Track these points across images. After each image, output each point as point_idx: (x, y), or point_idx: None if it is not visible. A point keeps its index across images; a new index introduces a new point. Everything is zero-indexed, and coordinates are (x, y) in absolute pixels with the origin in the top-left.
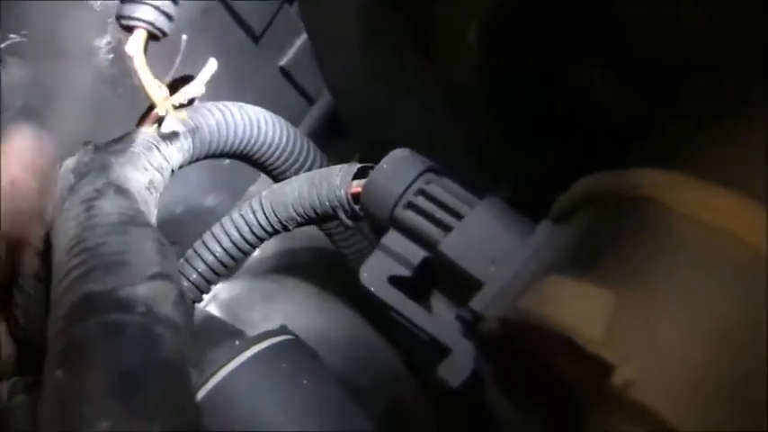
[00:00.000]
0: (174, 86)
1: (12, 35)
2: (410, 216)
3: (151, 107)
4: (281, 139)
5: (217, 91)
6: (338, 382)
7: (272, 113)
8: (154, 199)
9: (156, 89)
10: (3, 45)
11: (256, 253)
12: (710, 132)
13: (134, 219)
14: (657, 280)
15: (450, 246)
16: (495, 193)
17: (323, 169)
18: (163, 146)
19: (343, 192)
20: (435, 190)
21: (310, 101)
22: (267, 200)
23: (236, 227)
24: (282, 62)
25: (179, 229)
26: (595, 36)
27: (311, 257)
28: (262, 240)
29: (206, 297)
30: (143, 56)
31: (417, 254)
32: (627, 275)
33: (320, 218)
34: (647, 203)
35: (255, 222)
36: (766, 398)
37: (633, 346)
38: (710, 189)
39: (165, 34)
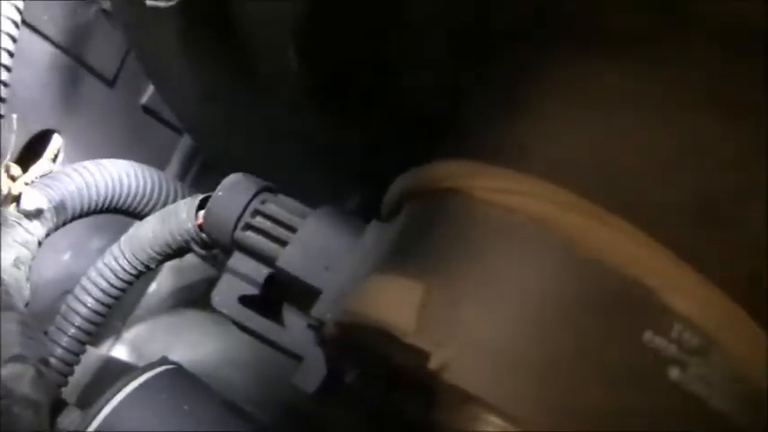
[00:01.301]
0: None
1: None
2: (250, 236)
3: None
4: (145, 188)
5: (84, 141)
6: (221, 401)
7: (135, 163)
8: (23, 273)
9: (4, 173)
10: None
11: (153, 290)
12: (493, 117)
13: None
14: (460, 265)
15: (287, 259)
16: (333, 202)
17: (171, 206)
18: (25, 221)
19: (190, 225)
20: (270, 208)
21: (179, 131)
22: (126, 245)
23: (102, 276)
24: (143, 100)
25: (69, 275)
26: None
27: (206, 287)
28: (129, 284)
29: (110, 339)
30: None
31: (261, 272)
32: (433, 265)
33: (177, 252)
34: (449, 194)
35: (119, 268)
36: (578, 370)
37: (444, 330)
38: (503, 173)
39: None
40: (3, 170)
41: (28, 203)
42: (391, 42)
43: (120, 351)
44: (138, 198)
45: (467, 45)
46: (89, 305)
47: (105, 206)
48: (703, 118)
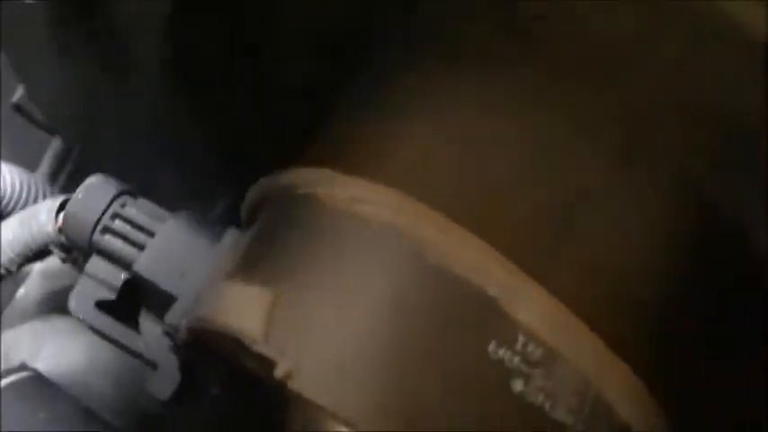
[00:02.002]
0: None
1: None
2: (108, 240)
3: None
4: (12, 189)
5: None
6: (79, 409)
7: (2, 163)
8: None
9: None
10: None
11: (21, 294)
12: (352, 122)
13: None
14: (309, 272)
15: (143, 264)
16: (196, 207)
17: (31, 208)
18: None
19: (50, 227)
20: (130, 212)
21: (51, 132)
22: None
23: None
24: (15, 98)
25: None
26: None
27: None
28: None
29: None
30: None
31: (119, 276)
32: (282, 271)
33: (37, 255)
34: (302, 201)
35: None
36: (422, 378)
37: (289, 338)
38: (355, 182)
39: None
40: None
41: None
42: (258, 34)
43: None
44: (5, 200)
45: (333, 45)
46: None
47: None
48: (554, 131)
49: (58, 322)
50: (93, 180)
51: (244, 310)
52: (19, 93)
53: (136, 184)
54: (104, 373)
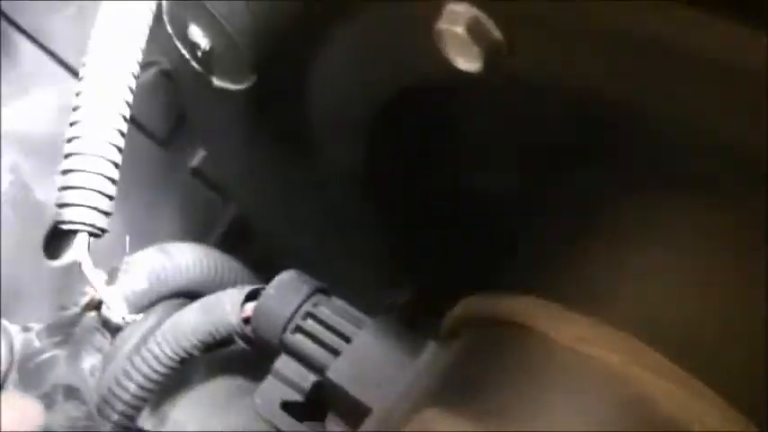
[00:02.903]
0: None
1: None
2: (299, 340)
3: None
4: (212, 277)
5: (131, 198)
6: None
7: (202, 248)
8: (95, 380)
9: (100, 284)
10: None
11: None
12: (564, 250)
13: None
14: (525, 411)
15: (337, 370)
16: (387, 310)
17: (215, 295)
18: (103, 329)
19: (234, 318)
20: (324, 312)
21: (225, 198)
22: (168, 332)
23: (145, 362)
24: (193, 163)
25: None
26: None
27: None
28: (173, 370)
29: None
30: (88, 258)
31: (308, 378)
32: (496, 408)
33: (220, 343)
34: (521, 332)
35: (162, 354)
36: None
37: None
38: (585, 321)
39: (105, 231)
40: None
41: (112, 316)
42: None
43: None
44: (210, 285)
45: (536, 161)
46: (132, 391)
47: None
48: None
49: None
50: (285, 276)
51: None
52: (198, 157)
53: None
54: None
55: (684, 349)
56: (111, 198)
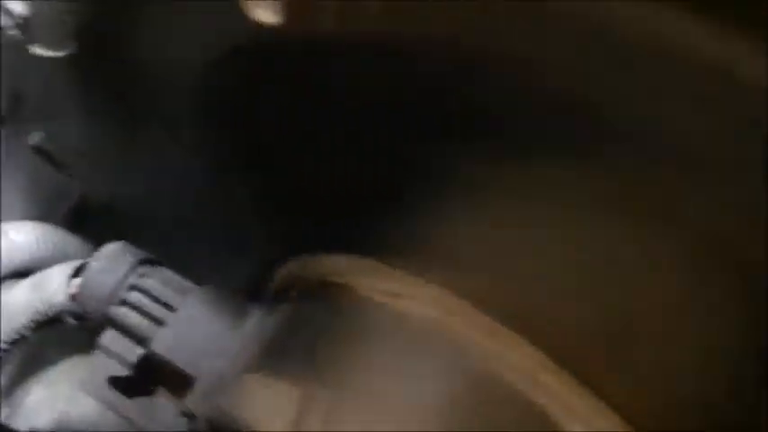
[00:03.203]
0: None
1: None
2: (124, 313)
3: None
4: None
5: None
6: None
7: (38, 225)
8: None
9: None
10: None
11: None
12: (395, 210)
13: None
14: (342, 372)
15: (162, 341)
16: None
17: (43, 271)
18: None
19: (62, 295)
20: (148, 283)
21: (70, 173)
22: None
23: None
24: (33, 141)
25: None
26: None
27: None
28: (6, 352)
29: None
30: None
31: (135, 352)
32: (313, 369)
33: (51, 321)
34: (337, 290)
35: None
36: None
37: None
38: (398, 275)
39: None
40: None
41: None
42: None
43: None
44: (45, 265)
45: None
46: None
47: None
48: (615, 231)
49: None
50: (110, 247)
51: (270, 410)
52: (37, 135)
53: (158, 246)
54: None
55: (500, 305)
56: None
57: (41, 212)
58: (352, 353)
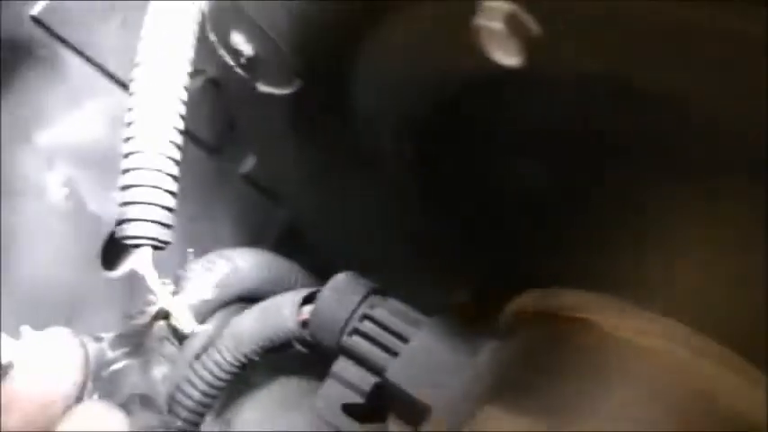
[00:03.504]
0: None
1: None
2: (357, 342)
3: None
4: (276, 282)
5: (185, 206)
6: None
7: (265, 254)
8: (165, 388)
9: (167, 296)
10: None
11: None
12: (626, 248)
13: None
14: (592, 409)
15: (396, 371)
16: (446, 310)
17: (272, 300)
18: (172, 337)
19: (292, 324)
20: (380, 313)
21: (276, 202)
22: (228, 339)
23: (207, 369)
24: (243, 170)
25: None
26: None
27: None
28: (235, 375)
29: None
30: (153, 271)
31: (368, 380)
32: (559, 405)
33: (280, 348)
34: (582, 327)
35: (223, 361)
36: None
37: None
38: (645, 313)
39: (168, 243)
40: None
41: (181, 326)
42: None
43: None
44: (272, 290)
45: (579, 155)
46: (195, 398)
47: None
48: None
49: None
50: (341, 277)
51: None
52: (249, 163)
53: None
54: None
55: (742, 339)
56: (171, 210)
57: (251, 238)
58: (595, 389)
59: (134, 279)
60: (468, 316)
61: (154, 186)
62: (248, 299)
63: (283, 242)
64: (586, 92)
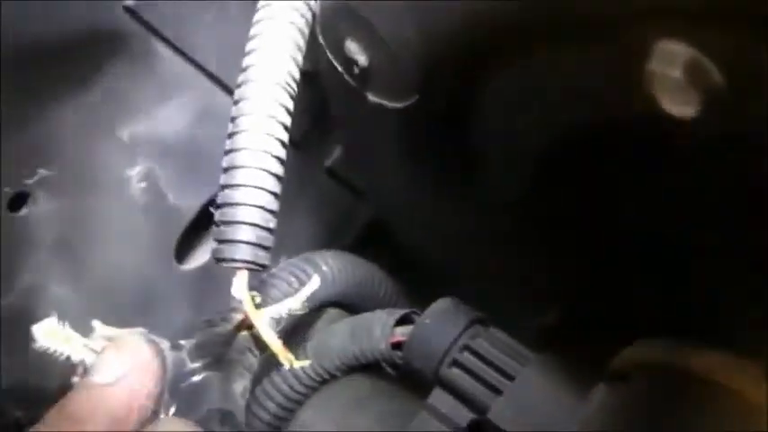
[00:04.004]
0: None
1: (40, 170)
2: (457, 375)
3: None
4: (365, 288)
5: None
6: None
7: (357, 259)
8: (244, 402)
9: (266, 327)
10: (32, 180)
11: None
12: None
13: None
14: None
15: (499, 412)
16: (540, 335)
17: (363, 317)
18: (255, 348)
19: (384, 345)
20: (483, 346)
21: (358, 197)
22: (311, 352)
23: (286, 382)
24: (328, 163)
25: None
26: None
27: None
28: (313, 390)
29: None
30: (249, 296)
31: (465, 416)
32: None
33: (364, 367)
34: (716, 390)
35: (304, 375)
36: None
37: None
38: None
39: (266, 267)
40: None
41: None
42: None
43: None
44: (354, 295)
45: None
46: (272, 411)
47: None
48: None
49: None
50: (442, 304)
51: None
52: (333, 157)
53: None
54: None
55: None
56: (271, 232)
57: (329, 235)
58: None
59: (208, 273)
60: (576, 354)
61: (256, 206)
62: (331, 304)
63: (363, 242)
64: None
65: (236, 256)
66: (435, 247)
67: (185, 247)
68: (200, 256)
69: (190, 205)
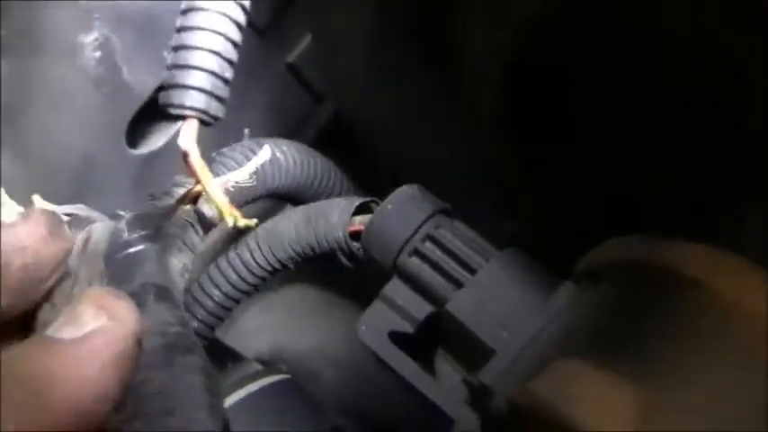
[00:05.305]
0: None
1: None
2: (416, 265)
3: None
4: (318, 178)
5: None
6: (326, 418)
7: (310, 150)
8: (184, 281)
9: (210, 179)
10: None
11: None
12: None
13: (178, 342)
14: (696, 378)
15: (460, 305)
16: (514, 239)
17: (320, 204)
18: (197, 225)
19: (341, 233)
20: (446, 236)
21: (318, 98)
22: (263, 239)
23: (233, 268)
24: (290, 59)
25: None
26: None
27: (318, 269)
28: (263, 280)
29: None
30: (196, 148)
31: (422, 308)
32: (660, 369)
33: (319, 257)
34: (690, 285)
35: (253, 263)
36: None
37: None
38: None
39: (219, 119)
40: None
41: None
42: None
43: None
44: (308, 188)
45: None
46: (216, 298)
47: (273, 194)
48: None
49: (291, 295)
50: (406, 190)
51: (604, 408)
52: (295, 53)
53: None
54: (334, 364)
55: None
56: (227, 83)
57: (287, 131)
58: (701, 356)
59: (160, 159)
60: (540, 254)
61: (212, 51)
62: (284, 195)
63: (322, 141)
64: None
65: (187, 103)
66: (398, 149)
67: (136, 129)
68: (152, 141)
69: (145, 82)
